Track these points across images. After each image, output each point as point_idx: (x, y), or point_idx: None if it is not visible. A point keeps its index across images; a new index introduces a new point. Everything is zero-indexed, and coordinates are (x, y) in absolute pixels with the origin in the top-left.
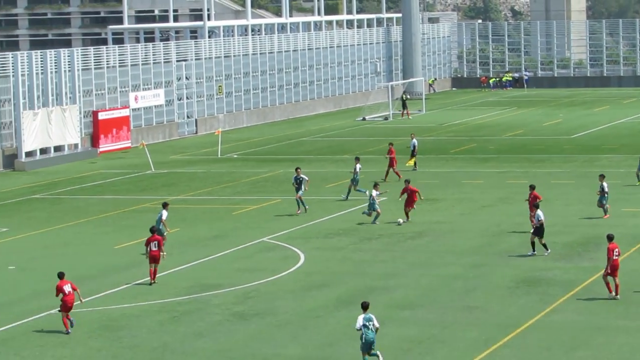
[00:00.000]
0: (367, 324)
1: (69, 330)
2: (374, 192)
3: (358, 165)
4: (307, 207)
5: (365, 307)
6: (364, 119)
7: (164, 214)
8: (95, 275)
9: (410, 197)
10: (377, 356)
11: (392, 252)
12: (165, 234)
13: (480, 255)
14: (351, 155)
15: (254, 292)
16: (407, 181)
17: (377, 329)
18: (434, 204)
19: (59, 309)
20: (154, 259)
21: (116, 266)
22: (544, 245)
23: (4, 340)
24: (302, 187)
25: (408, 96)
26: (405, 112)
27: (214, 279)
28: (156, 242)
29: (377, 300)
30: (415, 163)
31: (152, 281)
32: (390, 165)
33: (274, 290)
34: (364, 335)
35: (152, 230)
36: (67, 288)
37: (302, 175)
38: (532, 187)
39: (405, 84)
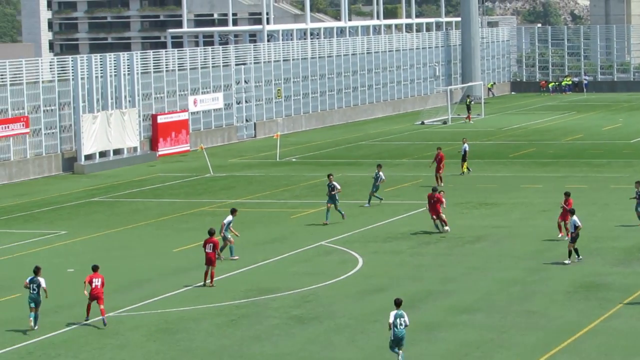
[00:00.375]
0: (397, 320)
1: (88, 318)
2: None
3: (381, 173)
4: (343, 213)
5: (398, 303)
6: (422, 123)
7: (229, 218)
8: (153, 278)
9: (433, 206)
10: (398, 354)
11: (450, 257)
12: (229, 236)
13: (538, 259)
14: (409, 159)
15: (312, 295)
16: (434, 189)
17: (406, 326)
18: (492, 208)
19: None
20: (209, 261)
21: (175, 269)
22: (576, 251)
23: (63, 342)
24: (336, 196)
25: (472, 100)
26: (468, 115)
27: (272, 283)
28: (212, 244)
29: (435, 304)
30: (467, 168)
31: (210, 284)
32: (437, 169)
33: (332, 294)
34: (393, 332)
35: (210, 232)
36: (96, 282)
37: (334, 183)
38: (567, 195)
39: (464, 88)
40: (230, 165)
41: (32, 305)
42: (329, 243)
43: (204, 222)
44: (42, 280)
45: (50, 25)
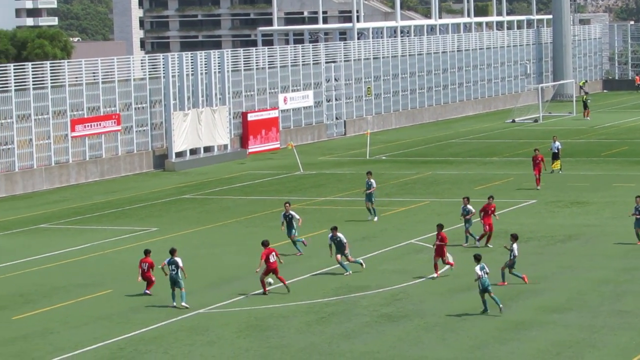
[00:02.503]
0: (483, 271)
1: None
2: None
3: (372, 180)
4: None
5: (478, 258)
6: (513, 121)
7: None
8: (243, 275)
9: (439, 247)
10: (498, 303)
11: (541, 255)
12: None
13: (630, 259)
14: (499, 157)
15: (401, 293)
16: (439, 226)
17: (487, 274)
18: (584, 207)
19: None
20: (273, 271)
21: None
22: None
23: (154, 338)
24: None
25: (589, 98)
26: (586, 112)
27: (362, 281)
28: (273, 253)
29: (526, 303)
30: (558, 167)
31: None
32: (537, 170)
33: (421, 292)
34: (480, 282)
35: (264, 244)
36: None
37: (291, 212)
38: None
39: (555, 86)
40: (320, 163)
41: (174, 285)
42: (419, 241)
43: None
44: (179, 260)
45: (141, 23)
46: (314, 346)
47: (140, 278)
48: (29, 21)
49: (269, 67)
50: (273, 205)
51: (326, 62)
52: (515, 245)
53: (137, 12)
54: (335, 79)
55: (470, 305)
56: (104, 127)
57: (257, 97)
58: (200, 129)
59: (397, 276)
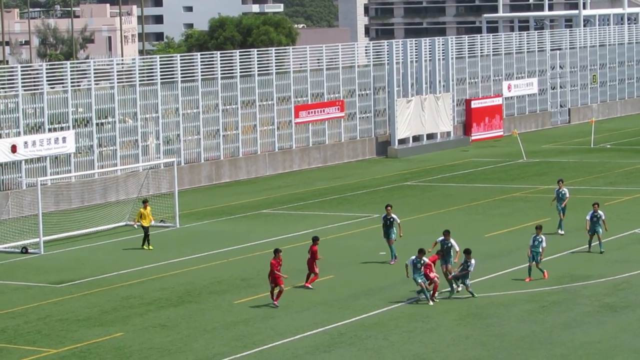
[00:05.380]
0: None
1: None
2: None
3: (565, 189)
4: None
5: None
6: None
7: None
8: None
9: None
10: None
11: None
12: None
13: None
14: None
15: (624, 283)
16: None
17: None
18: None
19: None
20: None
21: (486, 254)
22: None
23: (374, 324)
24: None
25: None
26: None
27: (584, 270)
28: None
29: None
30: None
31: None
32: None
33: None
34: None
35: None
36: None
37: (393, 215)
38: None
39: None
40: (544, 151)
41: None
42: None
43: (516, 207)
44: (453, 241)
45: (366, 10)
46: (534, 335)
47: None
48: (255, 8)
49: (493, 54)
50: (495, 193)
51: (551, 50)
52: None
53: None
54: (560, 67)
55: None
56: (328, 113)
57: (481, 85)
58: (424, 116)
59: (619, 266)
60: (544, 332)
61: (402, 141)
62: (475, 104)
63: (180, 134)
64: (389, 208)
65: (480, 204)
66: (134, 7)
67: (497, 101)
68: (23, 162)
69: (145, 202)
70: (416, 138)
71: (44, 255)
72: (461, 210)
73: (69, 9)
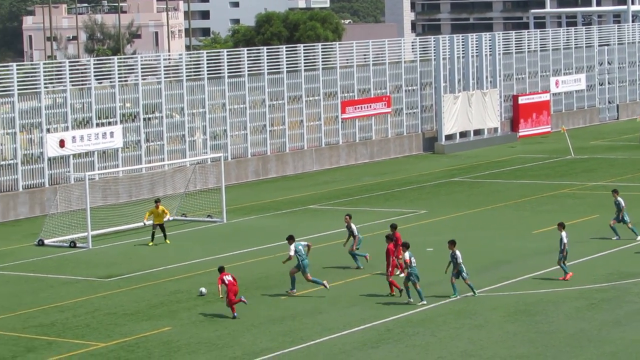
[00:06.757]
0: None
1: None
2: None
3: (619, 199)
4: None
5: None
6: None
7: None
8: (512, 259)
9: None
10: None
11: None
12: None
13: None
14: None
15: None
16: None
17: None
18: None
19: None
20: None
21: (534, 251)
22: None
23: (421, 320)
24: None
25: None
26: None
27: (633, 267)
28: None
29: None
30: None
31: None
32: None
33: None
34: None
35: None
36: (228, 278)
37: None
38: None
39: None
40: (592, 148)
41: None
42: None
43: (565, 204)
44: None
45: (412, 5)
46: (583, 332)
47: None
48: (301, 3)
49: (540, 50)
50: (543, 189)
51: (599, 45)
52: (563, 233)
53: None
54: (609, 62)
55: None
56: (374, 109)
57: (529, 80)
58: (471, 112)
59: None
60: (592, 329)
61: (449, 137)
62: (522, 100)
63: (227, 129)
64: (348, 218)
65: (527, 200)
66: (181, 2)
67: (545, 97)
68: (71, 156)
69: (157, 201)
70: (463, 134)
71: (92, 250)
72: (508, 207)
73: (116, 4)
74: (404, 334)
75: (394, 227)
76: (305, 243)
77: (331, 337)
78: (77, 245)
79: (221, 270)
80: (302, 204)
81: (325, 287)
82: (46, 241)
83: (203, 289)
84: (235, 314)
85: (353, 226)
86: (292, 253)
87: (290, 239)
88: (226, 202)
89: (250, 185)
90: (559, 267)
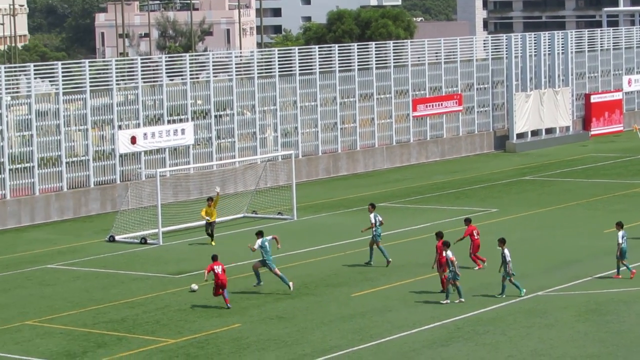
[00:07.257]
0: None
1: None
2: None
3: (373, 215)
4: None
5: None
6: None
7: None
8: (583, 258)
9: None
10: (628, 268)
11: None
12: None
13: None
14: None
15: None
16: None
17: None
18: None
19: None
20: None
21: (605, 250)
22: None
23: (492, 319)
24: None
25: None
26: None
27: None
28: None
29: None
30: None
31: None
32: None
33: None
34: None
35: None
36: (218, 269)
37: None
38: None
39: None
40: None
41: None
42: None
43: (637, 203)
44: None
45: (485, 3)
46: None
47: None
48: (373, 1)
49: (613, 49)
50: (615, 188)
51: None
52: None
53: None
54: None
55: None
56: (446, 107)
57: (601, 79)
58: (542, 110)
59: None
60: None
61: (521, 135)
62: (594, 99)
63: (298, 126)
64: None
65: (599, 199)
66: (253, 0)
67: (617, 96)
68: (142, 153)
69: (210, 199)
70: (534, 132)
71: (163, 246)
72: (580, 206)
73: (188, 1)
74: (474, 332)
75: (468, 220)
76: (271, 237)
77: (401, 335)
78: (148, 241)
79: (214, 259)
80: (373, 202)
81: (289, 287)
82: (117, 237)
83: (194, 285)
84: (229, 305)
85: (371, 215)
86: (255, 247)
87: (259, 234)
88: (296, 199)
89: (320, 183)
90: (623, 267)
